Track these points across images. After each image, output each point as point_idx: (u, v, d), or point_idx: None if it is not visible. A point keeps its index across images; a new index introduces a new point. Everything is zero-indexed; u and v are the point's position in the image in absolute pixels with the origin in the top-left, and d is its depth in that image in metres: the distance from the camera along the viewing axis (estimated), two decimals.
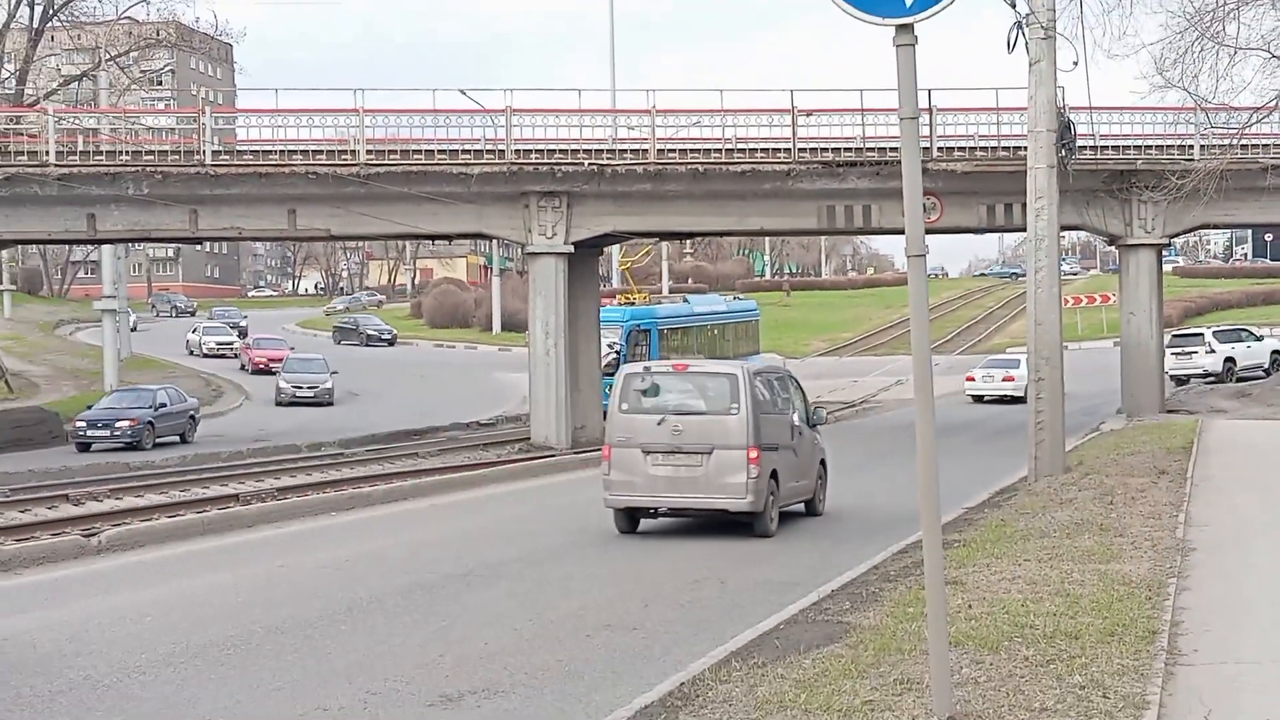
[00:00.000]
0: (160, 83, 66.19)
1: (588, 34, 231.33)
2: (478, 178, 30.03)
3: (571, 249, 30.76)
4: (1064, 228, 25.04)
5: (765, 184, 30.93)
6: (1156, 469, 17.11)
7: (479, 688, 8.49)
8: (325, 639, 10.06)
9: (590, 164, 30.10)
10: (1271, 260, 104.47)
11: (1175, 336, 45.49)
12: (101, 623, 10.73)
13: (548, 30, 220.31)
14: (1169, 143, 30.56)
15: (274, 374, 48.01)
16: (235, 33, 73.97)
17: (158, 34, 46.78)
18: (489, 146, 30.27)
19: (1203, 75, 23.73)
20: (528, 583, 12.54)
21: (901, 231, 7.20)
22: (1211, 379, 41.70)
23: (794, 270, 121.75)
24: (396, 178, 29.84)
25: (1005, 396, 40.79)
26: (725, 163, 30.47)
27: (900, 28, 6.25)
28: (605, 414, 33.38)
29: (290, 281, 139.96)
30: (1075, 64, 18.76)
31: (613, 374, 35.13)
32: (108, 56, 43.30)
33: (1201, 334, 44.80)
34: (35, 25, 42.62)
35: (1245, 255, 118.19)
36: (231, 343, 63.70)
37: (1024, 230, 20.05)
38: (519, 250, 47.49)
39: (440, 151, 30.16)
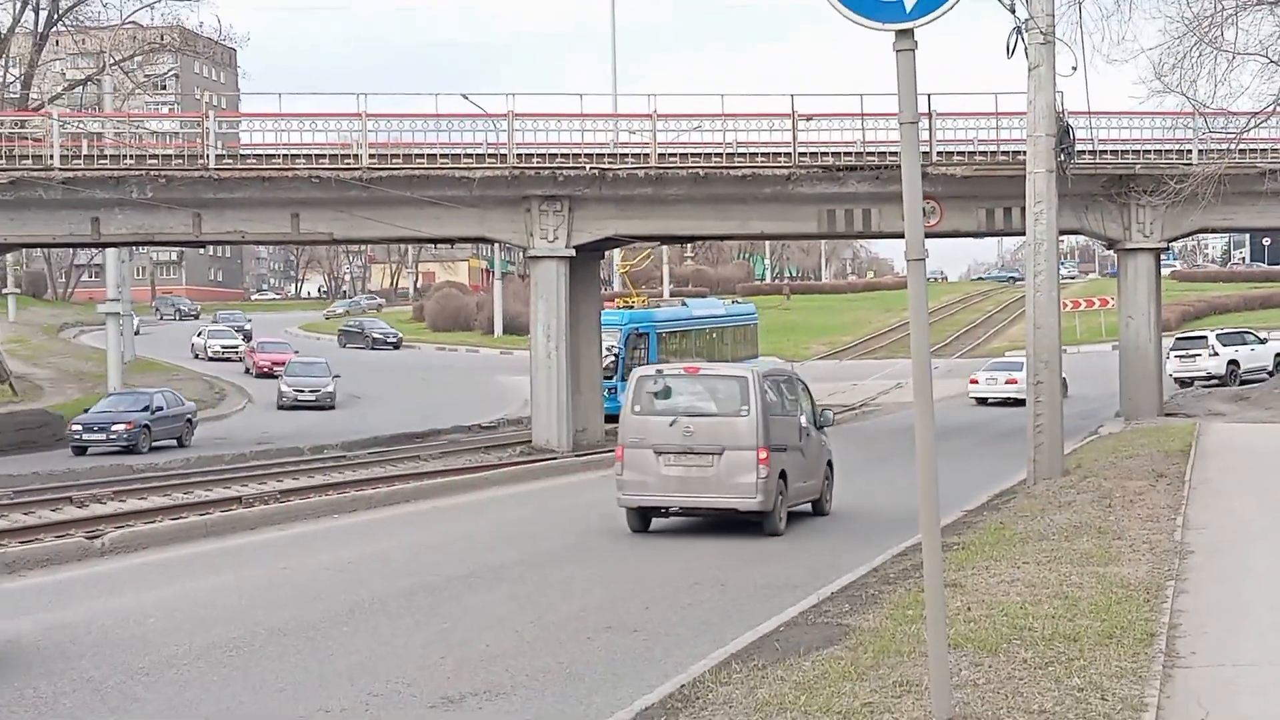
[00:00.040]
0: (164, 87, 66.13)
1: (588, 37, 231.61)
2: (479, 182, 30.09)
3: (573, 253, 30.82)
4: (1063, 232, 25.08)
5: (766, 188, 30.98)
6: (1155, 472, 17.14)
7: (480, 689, 8.53)
8: (328, 640, 10.10)
9: (592, 168, 30.16)
10: (1269, 264, 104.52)
11: (1179, 339, 45.55)
12: (105, 624, 10.76)
13: (548, 33, 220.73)
14: (1167, 147, 30.63)
15: (278, 377, 48.05)
16: (239, 38, 73.79)
17: (162, 39, 46.78)
18: (491, 151, 30.34)
19: (1201, 80, 23.85)
20: (529, 585, 12.59)
21: (901, 235, 7.25)
22: (1215, 381, 41.76)
23: (794, 274, 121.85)
24: (399, 182, 29.91)
25: (1009, 399, 40.85)
26: (726, 167, 30.52)
27: (900, 33, 6.26)
28: (606, 416, 33.79)
29: (293, 285, 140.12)
30: (1074, 69, 18.88)
31: (611, 377, 35.42)
32: (112, 61, 43.34)
33: (1205, 337, 44.81)
34: (40, 30, 42.68)
35: (1243, 259, 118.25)
36: (237, 346, 63.72)
37: (1023, 234, 20.10)
38: (521, 254, 47.50)
39: (442, 156, 30.22)
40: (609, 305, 39.46)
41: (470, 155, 30.31)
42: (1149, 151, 30.70)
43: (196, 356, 62.84)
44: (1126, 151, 30.87)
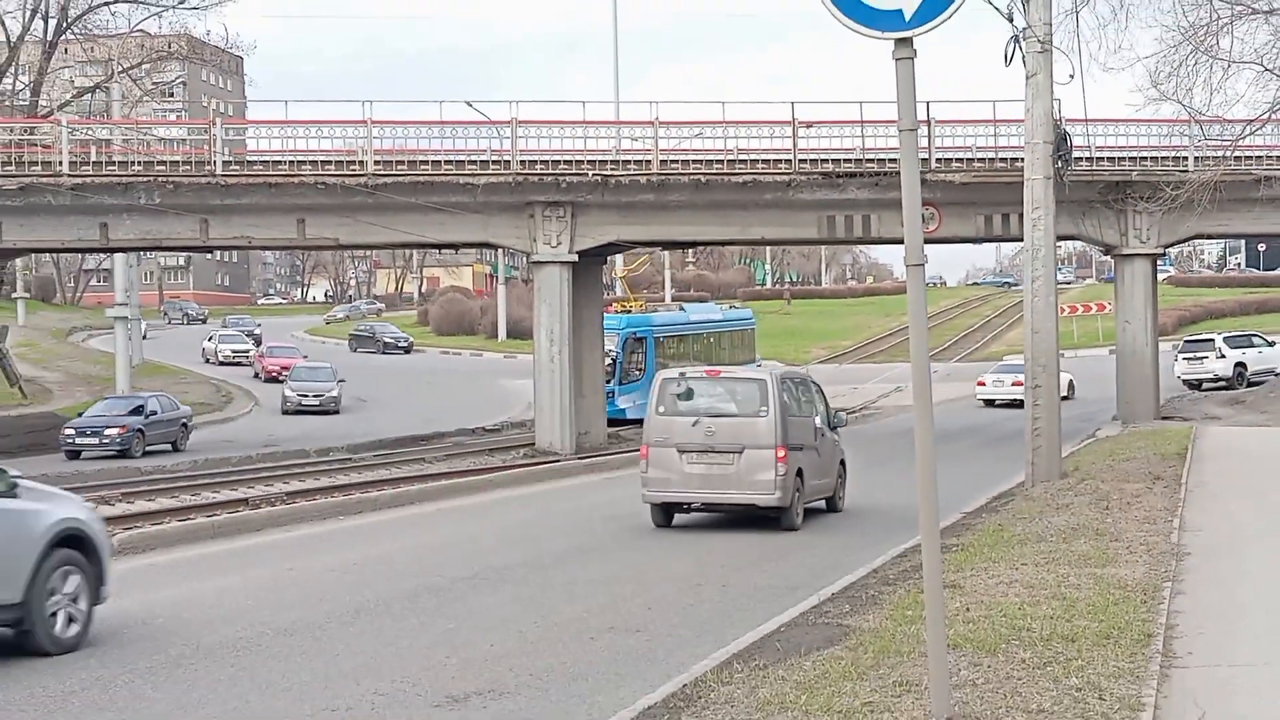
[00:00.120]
0: (172, 94, 66.32)
1: (590, 43, 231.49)
2: (484, 188, 30.21)
3: (576, 258, 30.93)
4: (1060, 237, 25.18)
5: (766, 194, 31.08)
6: (1152, 475, 17.23)
7: (484, 689, 8.58)
8: (333, 641, 10.16)
9: (594, 174, 30.28)
10: (1264, 270, 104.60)
11: (1187, 342, 45.74)
12: (111, 624, 10.84)
13: (550, 39, 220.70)
14: (1164, 154, 30.78)
15: (284, 382, 48.13)
16: (245, 46, 74.09)
17: (169, 47, 46.95)
18: (495, 157, 30.48)
19: (1197, 88, 23.95)
20: (532, 586, 12.67)
21: (900, 241, 7.35)
22: (1222, 384, 41.91)
23: (794, 279, 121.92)
24: (404, 188, 30.03)
25: (1016, 401, 41.06)
26: (727, 173, 30.65)
27: (899, 41, 6.29)
28: (606, 418, 33.96)
29: (299, 290, 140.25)
30: (1071, 77, 19.03)
31: (609, 381, 35.50)
32: (120, 69, 43.48)
33: (1212, 339, 44.92)
34: (49, 38, 42.78)
35: (1239, 265, 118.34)
36: (247, 350, 63.86)
37: (1021, 240, 20.18)
38: (524, 259, 47.74)
39: (447, 162, 30.36)
40: (607, 310, 39.59)
41: (474, 161, 30.45)
42: (1145, 158, 30.84)
43: (207, 361, 62.97)
44: (1123, 158, 31.02)
